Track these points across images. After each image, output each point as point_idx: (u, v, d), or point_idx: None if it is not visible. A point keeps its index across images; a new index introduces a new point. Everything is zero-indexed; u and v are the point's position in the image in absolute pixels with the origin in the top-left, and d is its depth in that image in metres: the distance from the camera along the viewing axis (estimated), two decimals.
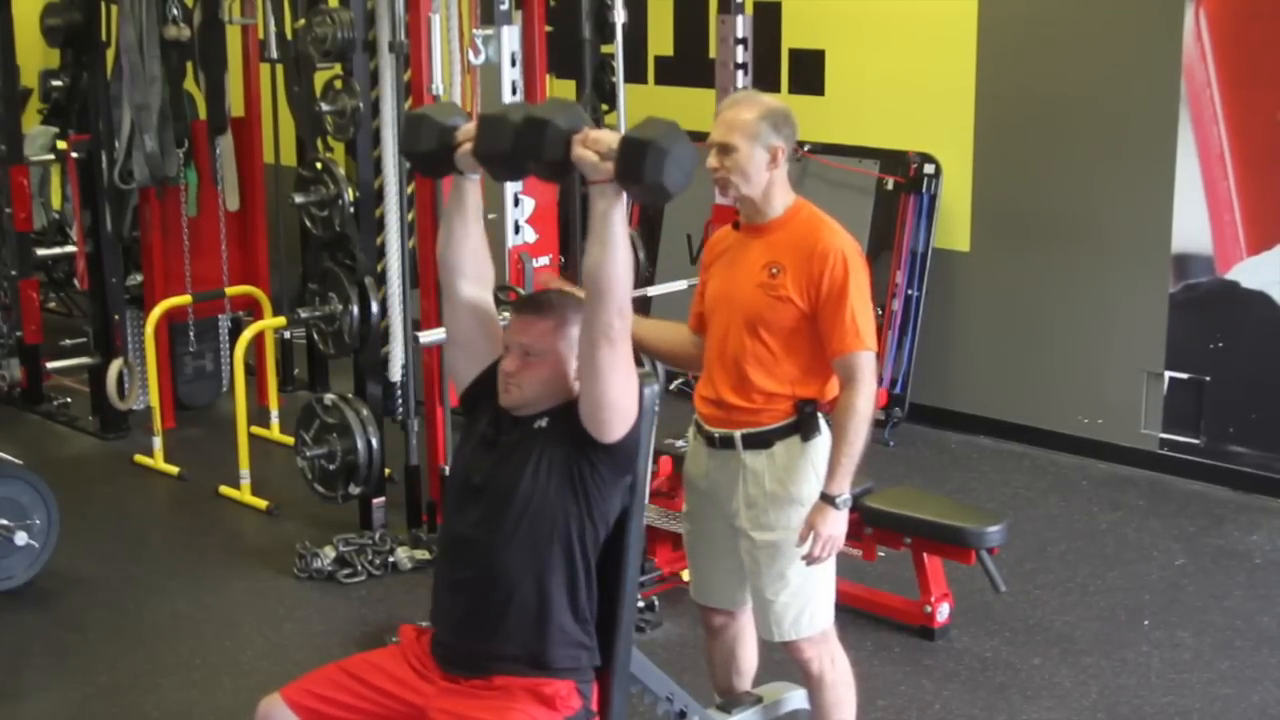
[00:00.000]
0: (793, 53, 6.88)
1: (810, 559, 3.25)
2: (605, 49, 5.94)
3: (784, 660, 3.68)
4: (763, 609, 3.41)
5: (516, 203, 4.73)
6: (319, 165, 5.48)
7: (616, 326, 2.79)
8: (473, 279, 3.05)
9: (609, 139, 2.71)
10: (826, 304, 3.23)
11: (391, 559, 5.13)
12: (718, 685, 3.69)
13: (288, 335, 7.08)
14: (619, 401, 2.87)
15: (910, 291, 6.47)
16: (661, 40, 7.34)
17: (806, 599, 3.38)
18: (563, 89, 6.22)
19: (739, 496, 3.36)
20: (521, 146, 2.77)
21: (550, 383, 2.97)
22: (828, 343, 3.25)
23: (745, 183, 3.27)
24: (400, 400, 5.42)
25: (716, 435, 3.39)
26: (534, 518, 2.91)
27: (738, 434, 3.34)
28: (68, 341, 7.26)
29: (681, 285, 5.22)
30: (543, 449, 2.94)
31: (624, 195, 2.74)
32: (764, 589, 3.38)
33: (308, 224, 5.60)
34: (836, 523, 3.23)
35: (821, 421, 3.33)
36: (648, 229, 7.23)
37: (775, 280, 3.26)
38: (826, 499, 3.24)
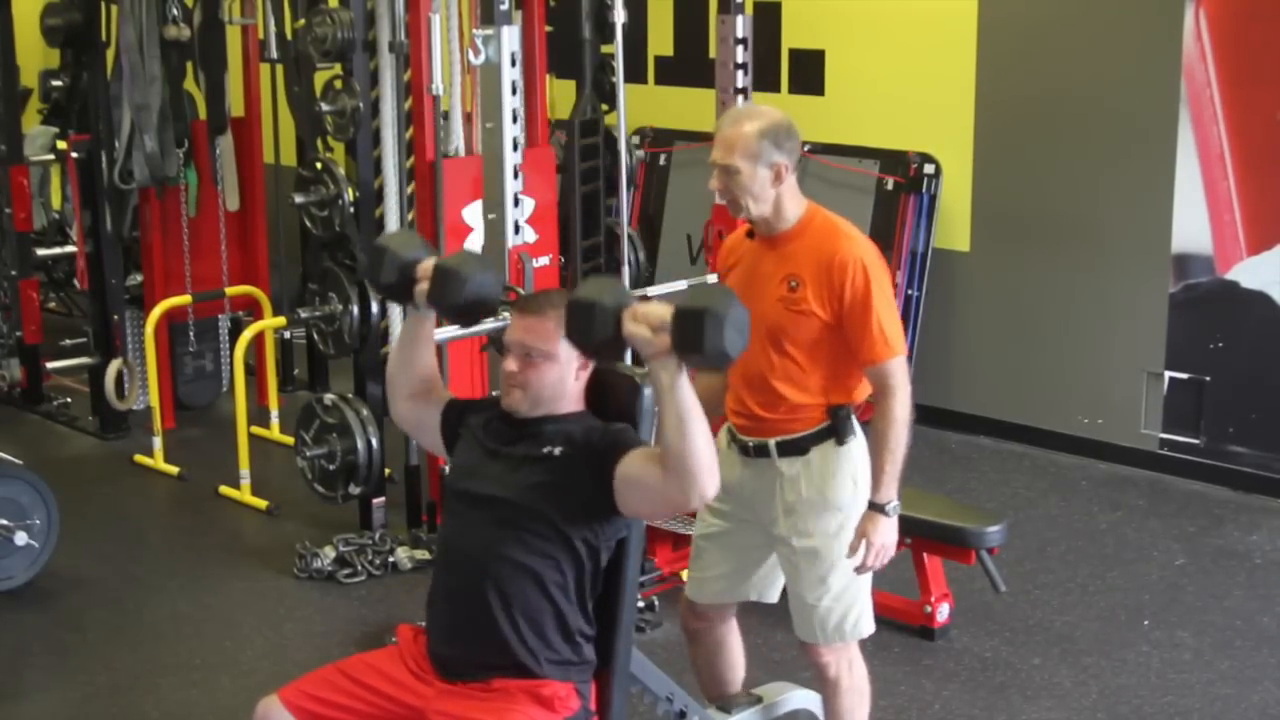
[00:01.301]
0: (793, 53, 6.88)
1: (862, 568, 3.24)
2: (605, 49, 5.94)
3: (784, 660, 3.68)
4: (805, 613, 3.37)
5: (516, 203, 4.72)
6: (319, 165, 5.48)
7: (710, 493, 2.78)
8: (414, 395, 3.18)
9: (659, 312, 2.68)
10: (851, 315, 3.19)
11: (391, 559, 5.14)
12: (707, 694, 3.65)
13: (288, 335, 7.08)
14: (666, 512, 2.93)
15: (910, 291, 6.47)
16: (661, 40, 7.34)
17: (850, 603, 3.36)
18: (563, 89, 6.22)
19: (776, 504, 3.33)
20: (567, 329, 2.79)
21: (551, 384, 2.97)
22: (858, 354, 3.22)
23: (754, 203, 3.24)
24: None
25: (751, 444, 3.35)
26: (532, 537, 2.91)
27: (772, 442, 3.31)
28: (68, 341, 7.25)
29: (681, 285, 5.22)
30: (552, 482, 2.92)
31: (684, 365, 2.71)
32: (805, 594, 3.35)
33: (308, 224, 5.60)
34: (888, 531, 3.21)
35: (855, 424, 3.31)
36: (647, 228, 7.23)
37: (795, 294, 3.22)
38: (876, 507, 3.22)
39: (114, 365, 6.44)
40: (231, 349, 6.49)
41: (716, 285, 2.77)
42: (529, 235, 4.69)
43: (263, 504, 5.70)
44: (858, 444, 3.32)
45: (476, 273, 2.97)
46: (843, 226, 3.31)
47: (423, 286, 3.00)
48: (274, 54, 6.40)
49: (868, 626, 3.42)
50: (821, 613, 3.35)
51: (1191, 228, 5.83)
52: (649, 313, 2.69)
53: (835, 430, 3.29)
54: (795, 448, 3.30)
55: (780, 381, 3.27)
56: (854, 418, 3.32)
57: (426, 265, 3.01)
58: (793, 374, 3.26)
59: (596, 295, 2.75)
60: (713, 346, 2.63)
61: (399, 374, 3.18)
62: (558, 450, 2.94)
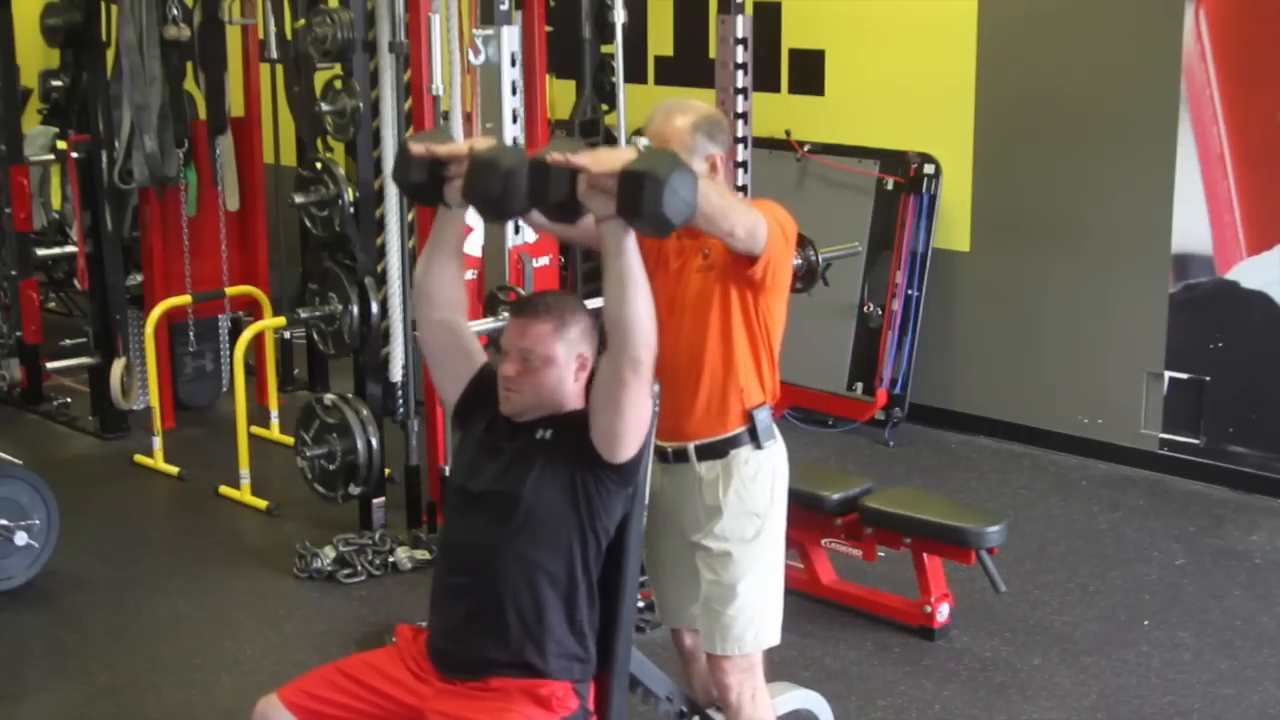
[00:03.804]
0: (793, 53, 6.88)
1: (558, 155, 2.77)
2: (605, 49, 5.95)
3: (783, 660, 3.68)
4: (710, 620, 3.32)
5: None
6: (319, 165, 5.48)
7: (645, 361, 2.80)
8: (444, 306, 3.05)
9: (612, 166, 2.66)
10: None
11: (391, 559, 5.14)
12: (700, 701, 3.58)
13: (288, 335, 7.08)
14: (637, 428, 2.88)
15: (910, 291, 6.47)
16: (661, 40, 7.34)
17: (754, 614, 3.30)
18: (563, 89, 6.22)
19: (697, 508, 3.29)
20: (529, 190, 2.76)
21: (551, 387, 2.96)
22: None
23: None
24: (400, 400, 5.42)
25: (670, 450, 3.30)
26: (534, 528, 2.91)
27: (691, 446, 3.27)
28: (68, 341, 7.25)
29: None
30: (546, 460, 2.93)
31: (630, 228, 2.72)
32: (713, 599, 3.30)
33: (308, 224, 5.60)
34: (619, 150, 2.84)
35: (775, 429, 3.30)
36: None
37: (710, 259, 3.20)
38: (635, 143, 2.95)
39: (118, 364, 6.43)
40: (231, 349, 6.49)
41: (662, 150, 2.73)
42: (529, 235, 4.69)
43: (263, 504, 5.70)
44: (777, 449, 3.31)
45: (515, 164, 2.83)
46: (759, 201, 3.27)
47: (456, 183, 2.90)
48: (274, 54, 6.40)
49: (770, 638, 3.35)
50: (725, 621, 3.28)
51: (1191, 228, 5.83)
52: (603, 178, 2.68)
53: (754, 433, 3.27)
54: (715, 451, 3.27)
55: (702, 369, 3.22)
56: (773, 423, 3.30)
57: (460, 154, 2.90)
58: (713, 360, 3.22)
59: (546, 153, 2.73)
60: (651, 210, 2.64)
61: (427, 281, 3.04)
62: (548, 433, 2.96)
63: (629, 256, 2.74)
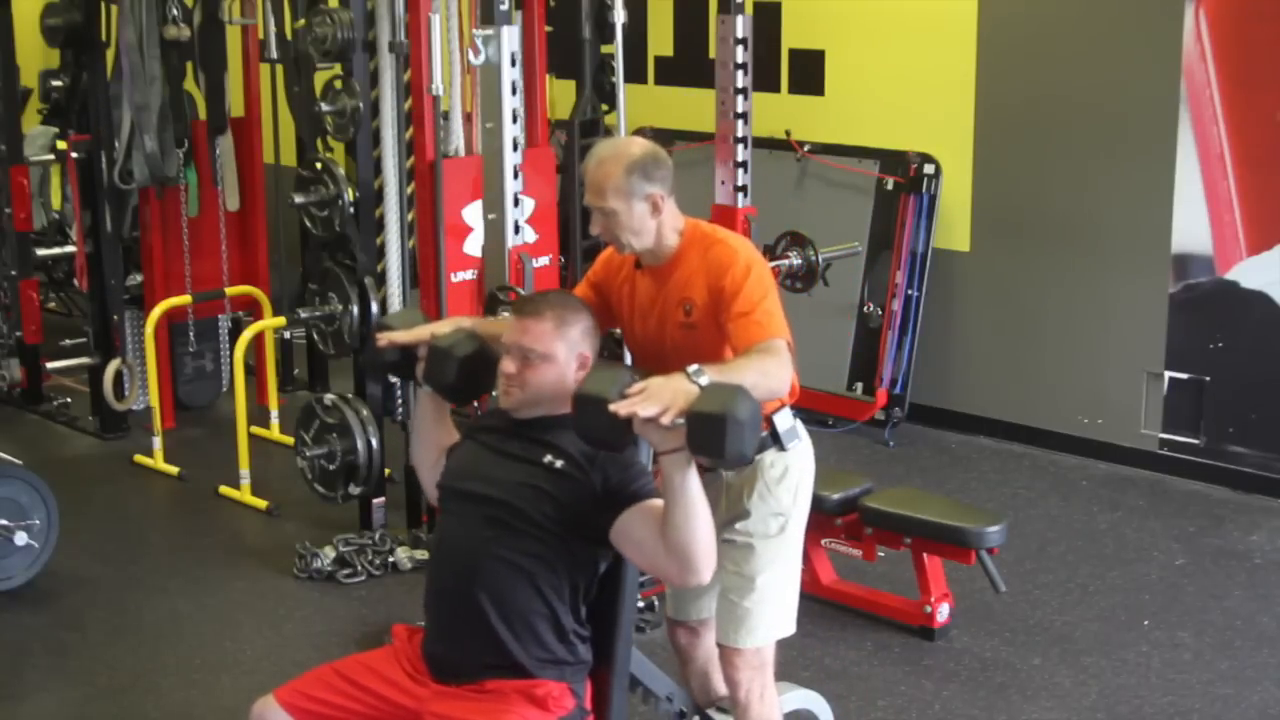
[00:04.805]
0: (793, 53, 6.88)
1: (625, 405, 2.70)
2: (605, 49, 5.95)
3: (783, 660, 3.67)
4: (726, 611, 3.34)
5: (516, 203, 4.72)
6: (319, 165, 5.48)
7: (708, 576, 2.82)
8: (438, 461, 3.21)
9: (679, 408, 2.63)
10: (730, 306, 3.11)
11: (391, 559, 5.14)
12: (700, 702, 3.59)
13: (288, 335, 7.08)
14: None
15: (910, 291, 6.47)
16: (661, 40, 7.34)
17: (769, 607, 3.32)
18: (563, 89, 6.23)
19: (720, 508, 3.29)
20: (576, 424, 2.77)
21: (551, 385, 2.97)
22: (736, 344, 3.10)
23: (636, 238, 3.19)
24: (400, 400, 5.42)
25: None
26: (530, 540, 2.91)
27: None
28: (68, 341, 7.25)
29: None
30: (549, 489, 2.91)
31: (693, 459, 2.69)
32: (731, 590, 3.32)
33: (308, 224, 5.60)
34: (677, 385, 2.74)
35: (799, 428, 3.31)
36: None
37: (691, 318, 3.18)
38: (686, 374, 2.85)
39: (112, 365, 6.44)
40: (231, 349, 6.49)
41: (725, 385, 2.70)
42: (529, 235, 4.69)
43: (263, 504, 5.70)
44: (802, 448, 3.33)
45: (469, 352, 3.04)
46: (719, 233, 3.25)
47: (423, 364, 3.08)
48: (274, 54, 6.39)
49: (782, 630, 3.38)
50: (740, 613, 3.30)
51: (1191, 228, 5.83)
52: (658, 414, 2.64)
53: (776, 437, 3.28)
54: None
55: None
56: (796, 422, 3.30)
57: (423, 339, 3.10)
58: None
59: (603, 391, 2.70)
60: (734, 451, 2.60)
61: (421, 452, 3.25)
62: (558, 463, 2.93)
63: (693, 487, 2.71)
